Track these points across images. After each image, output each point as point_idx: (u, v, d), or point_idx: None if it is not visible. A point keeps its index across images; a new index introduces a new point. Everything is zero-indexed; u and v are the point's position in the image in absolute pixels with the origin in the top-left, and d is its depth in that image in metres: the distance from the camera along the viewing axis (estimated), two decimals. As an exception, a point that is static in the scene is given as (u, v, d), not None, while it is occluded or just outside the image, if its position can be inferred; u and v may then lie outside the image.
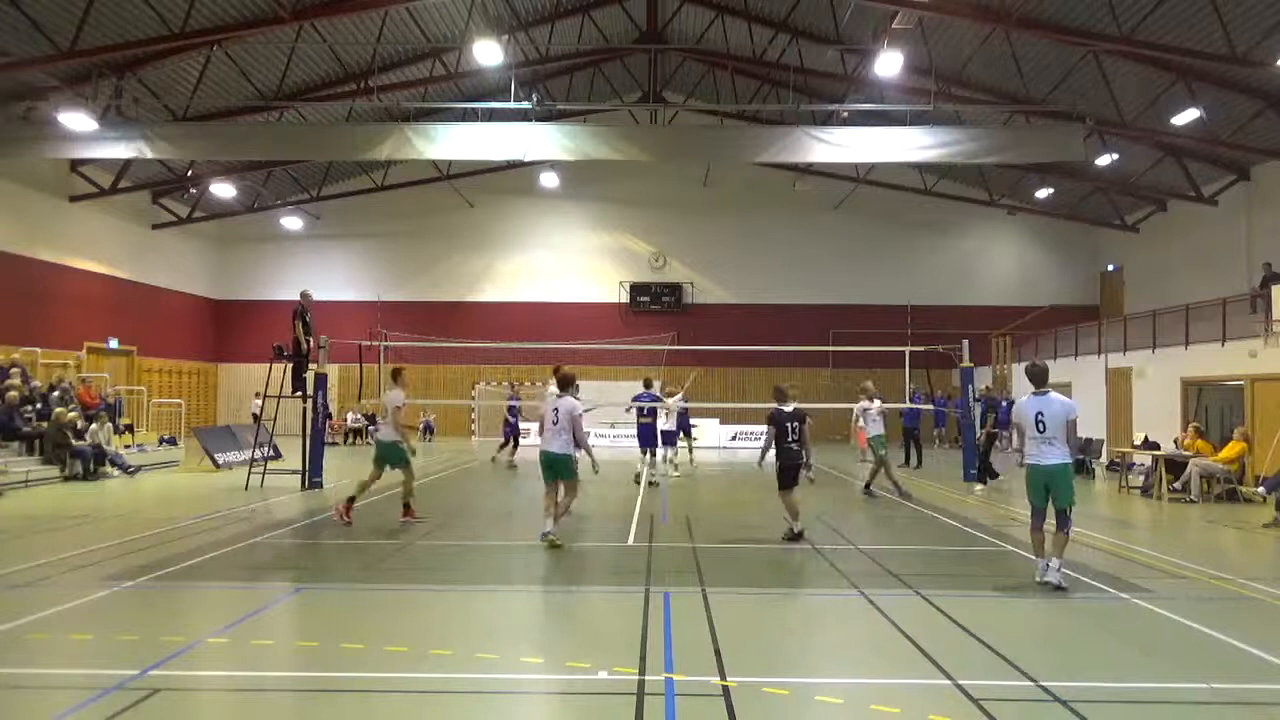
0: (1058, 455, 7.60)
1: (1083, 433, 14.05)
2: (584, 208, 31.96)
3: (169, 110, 21.02)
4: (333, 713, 4.81)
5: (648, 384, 16.05)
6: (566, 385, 9.46)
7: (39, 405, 17.20)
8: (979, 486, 15.62)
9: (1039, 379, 7.95)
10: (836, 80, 23.28)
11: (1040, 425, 7.63)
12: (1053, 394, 7.80)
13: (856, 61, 21.88)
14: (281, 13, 17.49)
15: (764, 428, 9.81)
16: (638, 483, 15.15)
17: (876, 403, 14.67)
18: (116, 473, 16.73)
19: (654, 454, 15.76)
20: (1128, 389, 20.53)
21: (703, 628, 6.25)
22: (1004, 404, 17.43)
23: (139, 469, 17.21)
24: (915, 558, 9.12)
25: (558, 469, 9.29)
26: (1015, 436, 8.60)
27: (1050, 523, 7.70)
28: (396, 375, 11.12)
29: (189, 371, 30.10)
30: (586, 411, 9.67)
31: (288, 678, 5.29)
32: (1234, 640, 6.03)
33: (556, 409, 9.28)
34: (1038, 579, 7.63)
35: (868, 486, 14.27)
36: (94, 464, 16.34)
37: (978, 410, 17.70)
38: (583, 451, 9.35)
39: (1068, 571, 7.70)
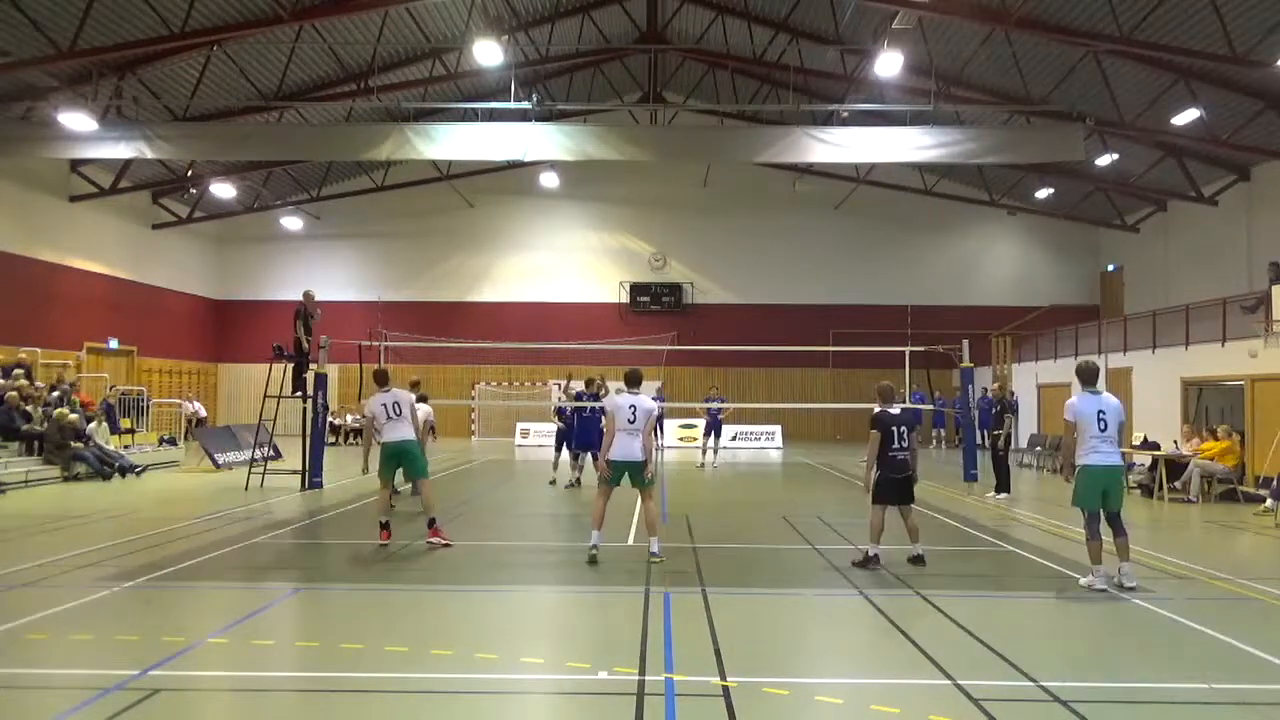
0: (1118, 456, 7.50)
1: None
2: (584, 208, 31.95)
3: (169, 110, 21.02)
4: (333, 713, 4.81)
5: (589, 383, 15.30)
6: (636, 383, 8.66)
7: (52, 407, 17.05)
8: (1002, 495, 14.01)
9: (1092, 378, 7.74)
10: (836, 80, 23.26)
11: (1101, 424, 7.42)
12: (1106, 393, 7.64)
13: (856, 61, 21.86)
14: (281, 13, 17.49)
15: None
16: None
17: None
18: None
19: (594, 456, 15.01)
20: (1128, 389, 20.53)
21: (703, 628, 6.24)
22: (995, 403, 16.43)
23: (144, 469, 17.20)
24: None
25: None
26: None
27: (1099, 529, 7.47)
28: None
29: (189, 371, 30.10)
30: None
31: (288, 678, 5.28)
32: (1234, 640, 6.02)
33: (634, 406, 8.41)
34: (1097, 586, 7.32)
35: None
36: (105, 466, 16.20)
37: (977, 412, 17.32)
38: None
39: (1069, 572, 7.69)
